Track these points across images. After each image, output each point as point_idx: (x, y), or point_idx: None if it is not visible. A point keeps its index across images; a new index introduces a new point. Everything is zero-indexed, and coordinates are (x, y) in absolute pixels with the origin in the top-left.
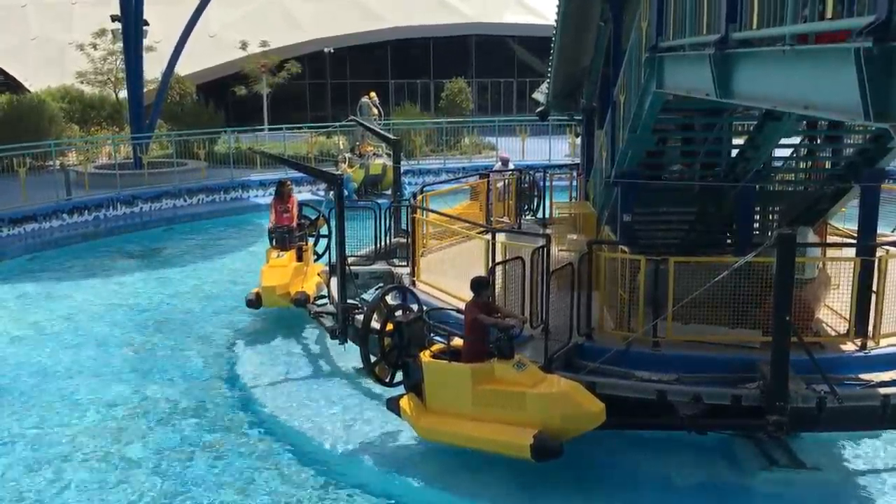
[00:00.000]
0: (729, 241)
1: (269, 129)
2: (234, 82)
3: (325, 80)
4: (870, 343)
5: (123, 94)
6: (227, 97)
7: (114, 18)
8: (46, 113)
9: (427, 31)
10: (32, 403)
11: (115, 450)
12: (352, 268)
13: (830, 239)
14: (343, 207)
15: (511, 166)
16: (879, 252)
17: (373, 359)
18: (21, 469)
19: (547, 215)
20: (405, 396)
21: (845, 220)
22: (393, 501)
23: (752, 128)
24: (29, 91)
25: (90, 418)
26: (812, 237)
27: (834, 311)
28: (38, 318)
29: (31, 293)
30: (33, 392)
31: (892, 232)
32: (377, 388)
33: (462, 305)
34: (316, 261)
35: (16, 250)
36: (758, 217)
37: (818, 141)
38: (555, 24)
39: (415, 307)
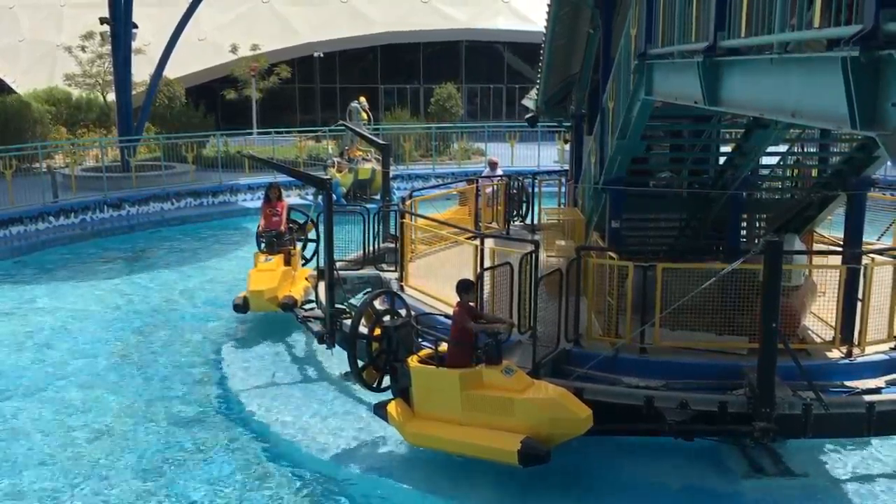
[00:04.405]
0: (718, 247)
1: (259, 133)
2: (224, 85)
3: (314, 84)
4: (855, 350)
5: (112, 96)
6: (216, 100)
7: (102, 21)
8: (31, 115)
9: (417, 36)
10: (16, 407)
11: (100, 454)
12: (340, 272)
13: (817, 246)
14: (332, 212)
15: (499, 171)
16: (865, 260)
17: (361, 363)
18: (5, 473)
19: (536, 221)
20: (393, 401)
21: (832, 227)
22: None
23: (739, 135)
24: (15, 92)
25: (75, 422)
26: (799, 245)
27: (820, 318)
28: (24, 321)
29: (16, 296)
30: (17, 395)
31: (878, 240)
32: (365, 393)
33: (450, 311)
34: (304, 265)
35: (1, 253)
36: (745, 224)
37: (805, 149)
38: (545, 30)
39: (403, 312)
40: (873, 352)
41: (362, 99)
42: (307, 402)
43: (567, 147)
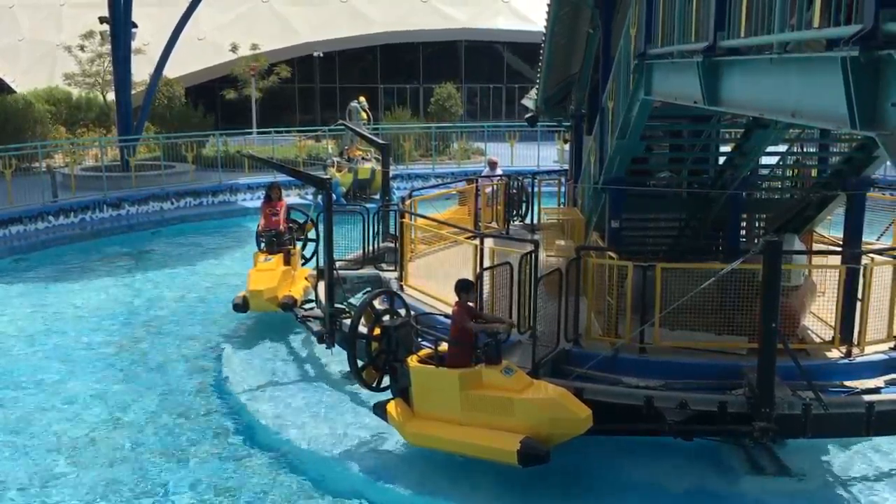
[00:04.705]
0: (718, 247)
1: (258, 133)
2: (224, 85)
3: (314, 84)
4: (855, 350)
5: (111, 96)
6: (216, 100)
7: (102, 20)
8: (32, 115)
9: (417, 35)
10: (15, 406)
11: (99, 454)
12: (340, 272)
13: (816, 246)
14: (332, 212)
15: (499, 171)
16: (865, 260)
17: (360, 363)
18: (5, 469)
19: (535, 221)
20: (392, 401)
21: (831, 227)
22: None
23: (739, 135)
24: (15, 92)
25: (73, 422)
26: (798, 244)
27: (819, 318)
28: (23, 321)
29: (15, 295)
30: (16, 395)
31: (878, 240)
32: (364, 393)
33: (450, 310)
34: (304, 265)
35: (1, 252)
36: (745, 224)
37: (805, 149)
38: (545, 30)
39: (403, 312)
40: (872, 352)
41: (362, 98)
42: (306, 402)
43: (567, 147)
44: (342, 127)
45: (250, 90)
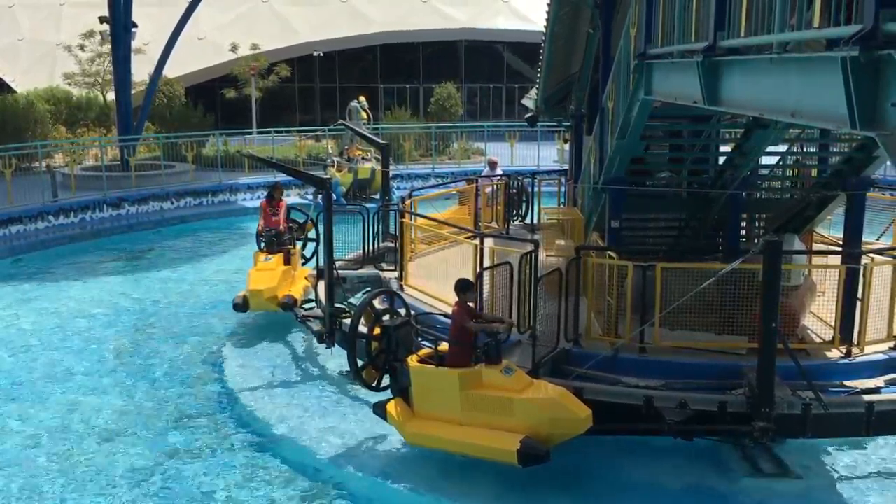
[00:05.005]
0: (718, 247)
1: (258, 132)
2: (224, 85)
3: (314, 84)
4: (854, 350)
5: (111, 95)
6: (216, 100)
7: (102, 20)
8: (32, 115)
9: (417, 35)
10: (14, 406)
11: (98, 455)
12: (340, 272)
13: (816, 246)
14: (332, 211)
15: (499, 170)
16: (865, 260)
17: (360, 363)
18: (4, 472)
19: (535, 221)
20: (392, 401)
21: (831, 227)
22: None
23: (739, 135)
24: (15, 92)
25: (73, 422)
26: (798, 244)
27: (819, 318)
28: (22, 321)
29: (15, 295)
30: (15, 395)
31: (878, 240)
32: (364, 393)
33: (450, 310)
34: (304, 265)
35: (1, 252)
36: (745, 224)
37: (805, 149)
38: (544, 30)
39: (403, 311)
40: (872, 351)
41: (362, 98)
42: (307, 402)
43: (567, 147)
44: (342, 127)
45: (250, 90)
